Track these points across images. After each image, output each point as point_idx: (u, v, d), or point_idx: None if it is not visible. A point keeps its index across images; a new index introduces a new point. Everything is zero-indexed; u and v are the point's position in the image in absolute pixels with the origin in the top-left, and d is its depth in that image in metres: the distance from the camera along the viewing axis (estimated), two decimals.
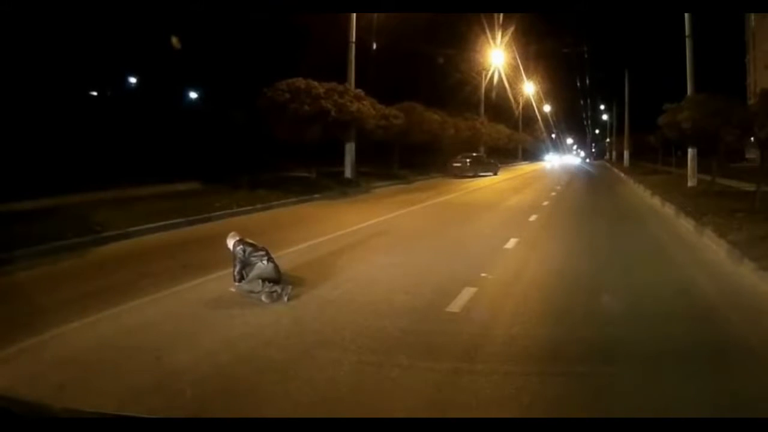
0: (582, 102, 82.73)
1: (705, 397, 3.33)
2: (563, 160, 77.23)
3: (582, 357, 4.05)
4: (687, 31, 19.57)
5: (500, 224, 11.40)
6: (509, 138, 48.86)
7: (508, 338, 4.39)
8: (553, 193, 19.15)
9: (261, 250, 5.67)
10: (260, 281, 5.39)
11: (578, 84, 72.73)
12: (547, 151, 78.22)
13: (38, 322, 4.63)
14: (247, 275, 5.51)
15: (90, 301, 5.30)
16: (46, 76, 17.14)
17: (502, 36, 41.10)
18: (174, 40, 21.16)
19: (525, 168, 46.19)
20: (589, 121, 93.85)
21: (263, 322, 4.81)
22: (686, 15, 19.43)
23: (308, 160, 19.13)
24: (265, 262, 5.52)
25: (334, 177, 20.11)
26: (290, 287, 5.49)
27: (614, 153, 58.93)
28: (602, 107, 73.49)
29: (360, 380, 3.65)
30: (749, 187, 14.12)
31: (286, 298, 5.33)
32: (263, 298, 5.30)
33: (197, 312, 5.13)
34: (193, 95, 29.52)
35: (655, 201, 15.62)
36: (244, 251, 5.59)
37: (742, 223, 9.03)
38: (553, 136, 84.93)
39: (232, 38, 23.34)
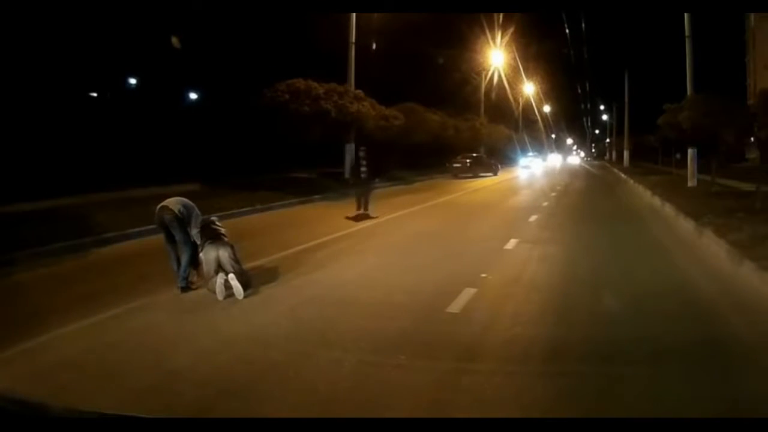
0: (582, 102, 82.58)
1: (705, 397, 3.33)
2: (550, 162, 59.46)
3: (582, 357, 4.04)
4: (687, 32, 19.55)
5: (500, 225, 11.40)
6: (509, 138, 48.82)
7: (509, 338, 4.39)
8: (553, 194, 19.14)
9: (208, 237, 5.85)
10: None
11: (578, 84, 72.71)
12: (527, 152, 51.76)
13: (39, 324, 4.63)
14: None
15: (91, 303, 5.31)
16: (45, 78, 17.11)
17: (502, 36, 41.14)
18: (174, 40, 21.13)
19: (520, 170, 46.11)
20: (589, 122, 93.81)
21: (264, 322, 4.82)
22: (686, 15, 19.43)
23: (308, 161, 19.13)
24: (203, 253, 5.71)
25: (335, 178, 20.11)
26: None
27: (614, 153, 58.84)
28: (602, 107, 73.46)
29: (360, 380, 3.65)
30: (749, 187, 14.11)
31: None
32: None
33: (198, 313, 5.14)
34: (193, 96, 29.48)
35: (655, 201, 15.60)
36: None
37: (742, 223, 9.00)
38: (553, 136, 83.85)
39: (232, 38, 23.33)
